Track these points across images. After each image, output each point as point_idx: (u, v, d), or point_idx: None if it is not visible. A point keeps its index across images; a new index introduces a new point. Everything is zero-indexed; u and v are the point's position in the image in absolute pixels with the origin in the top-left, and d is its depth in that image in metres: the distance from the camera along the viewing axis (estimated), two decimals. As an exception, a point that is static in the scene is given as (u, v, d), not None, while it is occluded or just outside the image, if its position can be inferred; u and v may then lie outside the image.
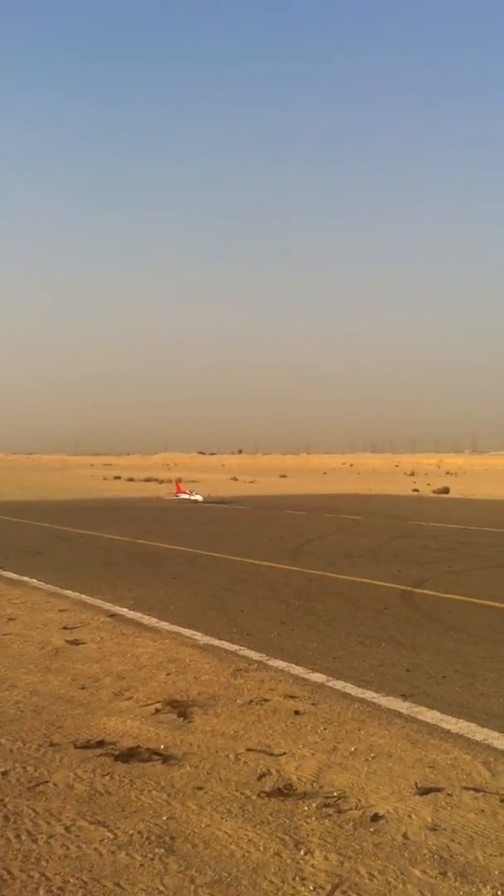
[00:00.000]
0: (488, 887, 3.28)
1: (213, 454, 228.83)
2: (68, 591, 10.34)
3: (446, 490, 45.69)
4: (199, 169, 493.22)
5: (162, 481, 54.05)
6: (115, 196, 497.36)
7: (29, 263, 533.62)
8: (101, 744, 4.79)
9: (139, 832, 3.69)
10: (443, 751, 4.81)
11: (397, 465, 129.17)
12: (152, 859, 3.44)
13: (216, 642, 7.59)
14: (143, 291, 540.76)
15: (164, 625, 8.37)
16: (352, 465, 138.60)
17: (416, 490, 47.47)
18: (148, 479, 59.05)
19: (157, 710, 5.46)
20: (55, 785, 4.22)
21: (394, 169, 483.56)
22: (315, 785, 4.26)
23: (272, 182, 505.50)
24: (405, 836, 3.71)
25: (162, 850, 3.52)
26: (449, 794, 4.18)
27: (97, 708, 5.54)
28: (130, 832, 3.69)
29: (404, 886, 3.27)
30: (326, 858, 3.47)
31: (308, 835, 3.68)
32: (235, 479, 62.96)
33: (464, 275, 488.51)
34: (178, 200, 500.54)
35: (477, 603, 9.97)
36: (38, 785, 4.21)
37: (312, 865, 3.41)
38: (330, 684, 6.23)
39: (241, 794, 4.14)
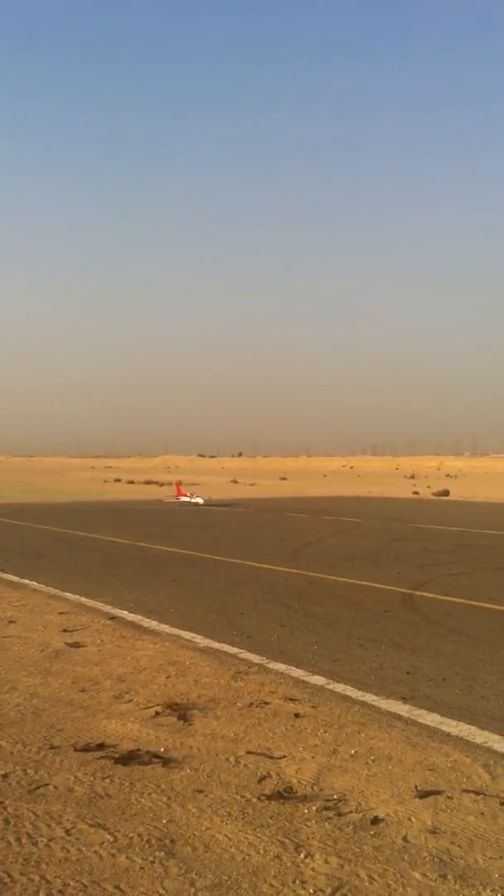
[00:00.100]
0: (488, 890, 3.28)
1: (213, 457, 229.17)
2: (69, 594, 10.34)
3: (446, 493, 45.69)
4: (200, 173, 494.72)
5: (162, 484, 54.06)
6: (115, 200, 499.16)
7: (30, 267, 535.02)
8: (101, 746, 4.80)
9: (139, 835, 3.69)
10: (443, 754, 4.81)
11: (397, 468, 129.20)
12: (152, 862, 3.44)
13: (216, 645, 7.59)
14: (142, 295, 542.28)
15: (165, 627, 8.37)
16: (352, 467, 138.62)
17: (416, 493, 47.47)
18: (148, 482, 59.05)
19: (158, 713, 5.47)
20: (55, 788, 4.22)
21: (394, 172, 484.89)
22: (315, 788, 4.26)
23: (272, 186, 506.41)
24: (405, 839, 3.71)
25: (162, 853, 3.52)
26: (449, 797, 4.18)
27: (97, 711, 5.54)
28: (131, 835, 3.69)
29: (404, 889, 3.27)
30: (327, 861, 3.47)
31: (308, 838, 3.69)
32: (235, 482, 62.96)
33: (464, 278, 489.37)
34: (178, 204, 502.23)
35: (477, 606, 9.97)
36: (38, 788, 4.21)
37: (313, 868, 3.41)
38: (330, 687, 6.23)
39: (242, 796, 4.14)
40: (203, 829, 3.77)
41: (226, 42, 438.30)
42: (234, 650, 7.39)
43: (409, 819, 3.92)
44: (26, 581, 11.46)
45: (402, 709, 5.70)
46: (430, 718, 5.49)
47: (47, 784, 4.26)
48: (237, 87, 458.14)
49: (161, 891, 3.22)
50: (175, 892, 3.21)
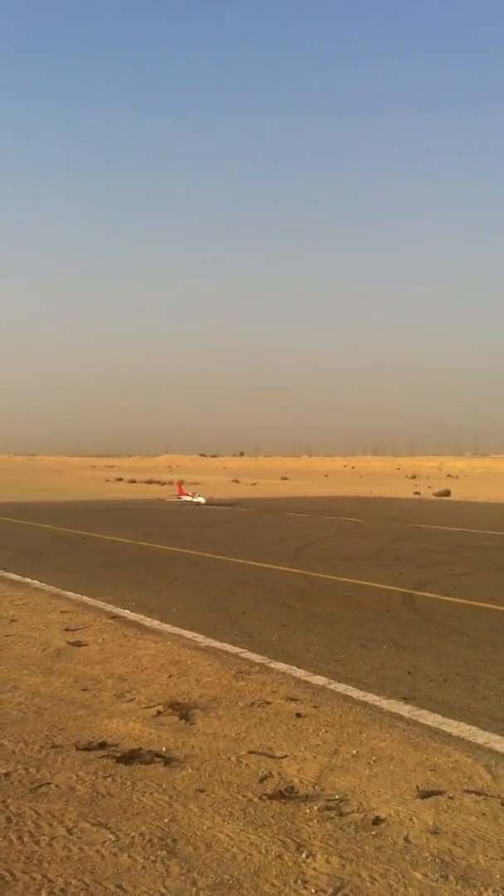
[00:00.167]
0: (490, 891, 3.29)
1: (214, 456, 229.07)
2: (70, 593, 10.35)
3: (447, 493, 45.66)
4: (200, 173, 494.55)
5: (164, 483, 54.07)
6: (115, 200, 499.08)
7: (30, 267, 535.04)
8: (102, 746, 4.80)
9: (141, 834, 3.70)
10: (444, 754, 4.81)
11: (398, 468, 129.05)
12: (154, 861, 3.45)
13: (218, 644, 7.60)
14: (144, 294, 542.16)
15: (166, 627, 8.37)
16: (353, 467, 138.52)
17: (417, 493, 47.45)
18: (150, 481, 59.08)
19: (159, 713, 5.47)
20: (57, 787, 4.23)
21: (394, 172, 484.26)
22: (317, 788, 4.26)
23: (272, 186, 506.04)
24: (407, 839, 3.72)
25: (164, 853, 3.52)
26: (450, 798, 4.18)
27: (99, 710, 5.54)
28: (132, 834, 3.70)
29: (406, 890, 3.27)
30: (328, 861, 3.47)
31: (310, 838, 3.69)
32: (237, 482, 62.95)
33: (464, 278, 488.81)
34: (178, 204, 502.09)
35: (478, 606, 9.97)
36: (40, 787, 4.22)
37: (314, 868, 3.41)
38: (331, 687, 6.23)
39: (243, 796, 4.14)
40: (205, 828, 3.77)
41: (226, 43, 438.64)
42: (235, 650, 7.40)
43: (411, 819, 3.92)
44: (28, 580, 11.47)
45: (404, 709, 5.70)
46: (431, 719, 5.49)
47: (49, 783, 4.27)
48: (237, 87, 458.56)
49: (163, 890, 3.23)
50: (177, 892, 3.22)
